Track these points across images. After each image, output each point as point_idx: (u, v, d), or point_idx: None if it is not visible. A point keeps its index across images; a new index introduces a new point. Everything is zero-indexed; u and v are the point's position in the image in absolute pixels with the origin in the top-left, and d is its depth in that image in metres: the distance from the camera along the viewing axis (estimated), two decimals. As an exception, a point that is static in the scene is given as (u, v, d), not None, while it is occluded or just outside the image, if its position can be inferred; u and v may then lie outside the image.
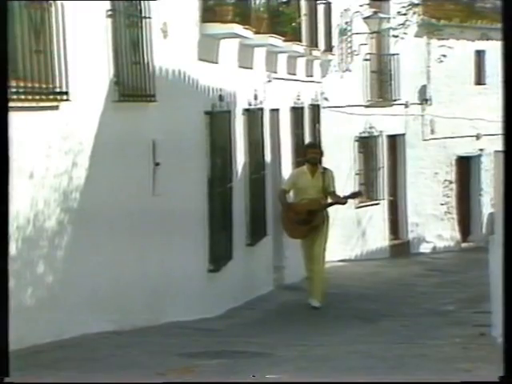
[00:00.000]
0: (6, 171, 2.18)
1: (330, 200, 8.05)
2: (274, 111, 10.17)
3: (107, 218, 5.40)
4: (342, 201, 8.19)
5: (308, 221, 7.91)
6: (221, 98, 7.79)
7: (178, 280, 6.59)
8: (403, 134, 15.18)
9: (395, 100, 14.79)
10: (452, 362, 4.51)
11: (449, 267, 13.23)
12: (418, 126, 15.26)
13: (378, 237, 14.49)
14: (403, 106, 14.95)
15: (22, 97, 4.46)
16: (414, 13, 13.35)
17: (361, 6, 13.60)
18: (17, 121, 4.44)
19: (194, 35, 7.33)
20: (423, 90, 15.25)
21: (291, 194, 8.38)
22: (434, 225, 15.41)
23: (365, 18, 13.79)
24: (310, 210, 7.91)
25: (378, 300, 9.33)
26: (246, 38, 8.32)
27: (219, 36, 7.79)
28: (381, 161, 14.68)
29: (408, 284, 11.16)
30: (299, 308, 8.62)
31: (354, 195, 8.47)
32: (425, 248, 15.31)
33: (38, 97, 4.63)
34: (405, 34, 13.10)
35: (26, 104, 4.52)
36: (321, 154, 8.33)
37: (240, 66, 8.73)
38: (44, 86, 4.70)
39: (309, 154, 8.19)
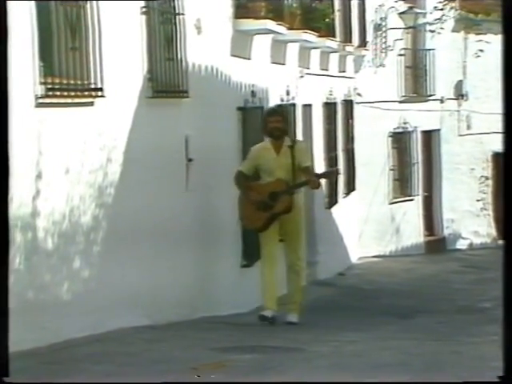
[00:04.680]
0: (6, 172, 2.20)
1: (304, 178, 6.08)
2: (307, 107, 10.15)
3: (141, 213, 5.45)
4: (315, 182, 6.05)
5: (269, 206, 5.99)
6: (253, 93, 7.79)
7: (212, 275, 6.62)
8: (438, 130, 15.03)
9: (430, 95, 14.65)
10: (488, 360, 4.45)
11: (485, 264, 13.07)
12: (454, 122, 15.09)
13: (413, 233, 14.37)
14: (439, 102, 14.80)
15: (58, 93, 4.51)
16: (452, 8, 13.19)
17: (396, 1, 13.50)
18: (52, 117, 4.51)
19: (227, 31, 7.35)
20: (459, 86, 15.07)
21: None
22: (469, 221, 15.23)
23: (400, 14, 13.68)
24: (273, 193, 5.99)
25: (413, 296, 9.26)
26: (279, 33, 8.31)
27: (252, 32, 7.80)
28: (415, 156, 14.57)
29: (444, 281, 11.05)
30: (332, 303, 8.59)
31: (328, 174, 6.68)
32: (461, 244, 15.15)
33: (73, 93, 4.69)
34: (442, 28, 12.96)
35: (62, 100, 4.58)
36: (285, 122, 6.23)
37: (273, 62, 8.73)
38: (79, 82, 4.76)
39: (269, 123, 6.09)
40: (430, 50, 14.52)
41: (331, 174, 6.92)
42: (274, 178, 6.05)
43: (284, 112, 6.39)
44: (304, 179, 6.08)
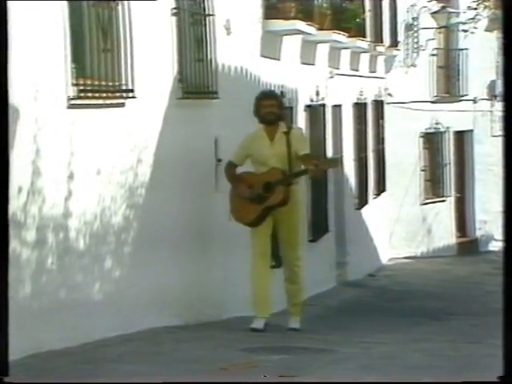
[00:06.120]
0: (5, 172, 2.21)
1: (303, 166, 5.41)
2: (337, 107, 10.11)
3: (171, 213, 5.47)
4: (315, 171, 5.36)
5: (263, 197, 5.36)
6: (283, 94, 7.78)
7: (241, 275, 6.62)
8: (471, 130, 14.87)
9: (463, 95, 14.50)
10: (521, 362, 4.38)
11: (518, 266, 12.87)
12: (487, 122, 14.91)
13: (445, 234, 14.24)
14: (471, 102, 14.64)
15: (90, 94, 4.56)
16: (485, 7, 13.03)
17: (429, 1, 13.40)
18: (84, 118, 4.56)
19: (257, 32, 7.36)
20: (492, 86, 14.89)
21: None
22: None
23: (433, 13, 13.57)
24: (268, 183, 5.37)
25: (445, 298, 9.17)
26: (308, 34, 8.30)
27: (282, 33, 7.80)
28: (447, 157, 14.44)
29: (476, 282, 10.93)
30: (362, 305, 8.55)
31: (329, 162, 6.14)
32: (493, 246, 14.96)
33: (104, 94, 4.73)
34: (475, 28, 12.81)
35: (94, 102, 4.62)
36: (280, 106, 5.57)
37: (302, 63, 8.71)
38: (111, 83, 4.81)
39: (262, 108, 5.47)
40: (462, 49, 14.37)
41: (333, 163, 6.15)
42: (268, 168, 5.42)
43: (279, 96, 5.77)
44: (303, 168, 5.41)
